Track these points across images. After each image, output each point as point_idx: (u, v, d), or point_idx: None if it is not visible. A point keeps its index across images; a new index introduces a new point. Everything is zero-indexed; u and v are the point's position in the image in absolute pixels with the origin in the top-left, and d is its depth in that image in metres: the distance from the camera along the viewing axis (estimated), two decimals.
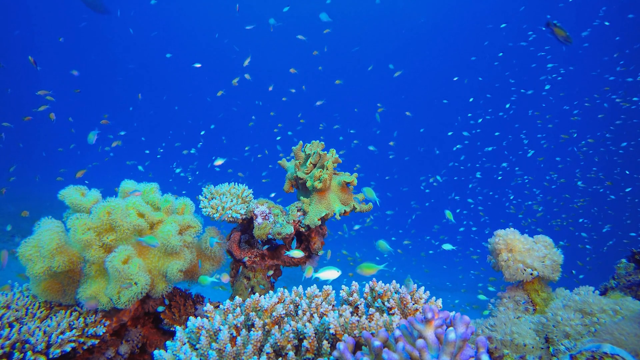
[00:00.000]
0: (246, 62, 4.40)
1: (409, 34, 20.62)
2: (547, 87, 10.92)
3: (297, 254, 1.74)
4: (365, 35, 20.87)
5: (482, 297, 3.73)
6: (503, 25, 8.89)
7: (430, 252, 9.15)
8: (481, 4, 18.08)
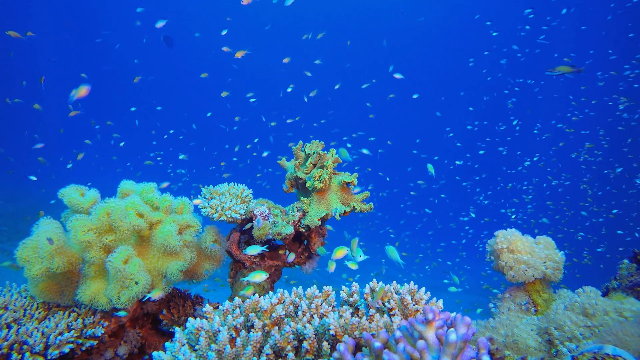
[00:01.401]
0: (239, 54, 4.30)
1: (408, 33, 20.57)
2: (535, 89, 10.94)
3: (291, 257, 1.74)
4: (363, 35, 20.81)
5: (452, 289, 3.69)
6: (495, 33, 8.90)
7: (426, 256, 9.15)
8: (481, 6, 18.08)
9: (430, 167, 2.81)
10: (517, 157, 15.84)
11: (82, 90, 1.89)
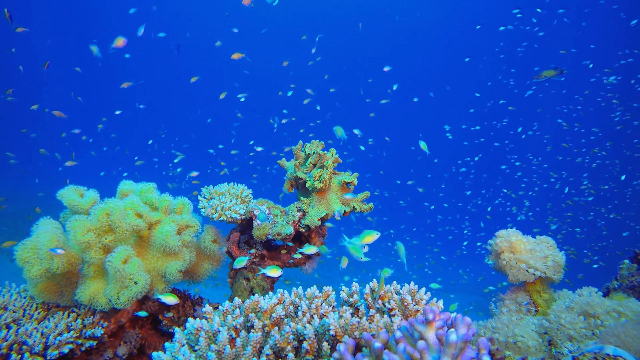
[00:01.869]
0: (235, 56, 4.28)
1: (407, 29, 20.44)
2: (529, 92, 10.88)
3: (311, 250, 1.70)
4: (362, 30, 20.69)
5: (434, 285, 3.68)
6: (502, 28, 8.88)
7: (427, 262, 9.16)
8: (480, 4, 18.03)
9: (424, 145, 2.78)
10: (517, 158, 15.84)
11: (120, 41, 2.14)
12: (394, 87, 6.24)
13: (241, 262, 1.64)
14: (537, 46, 14.29)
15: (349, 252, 1.45)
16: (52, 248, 1.38)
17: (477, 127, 12.79)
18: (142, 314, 1.59)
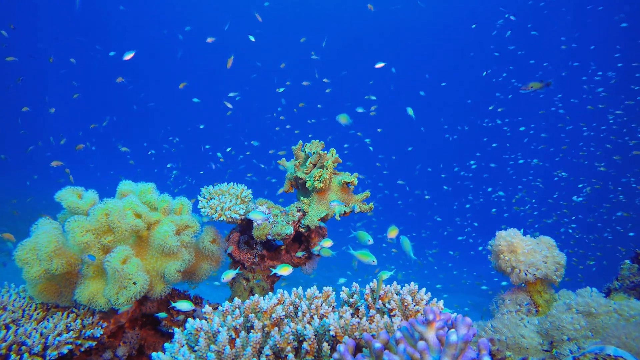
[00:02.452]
0: (229, 63, 4.26)
1: (406, 23, 20.34)
2: (522, 88, 10.82)
3: (327, 243, 1.70)
4: (360, 29, 20.61)
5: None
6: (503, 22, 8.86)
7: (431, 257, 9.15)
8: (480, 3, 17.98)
9: (410, 111, 2.81)
10: (517, 157, 15.82)
11: None
12: (392, 70, 6.22)
13: (230, 274, 1.64)
14: (538, 34, 14.23)
15: (358, 258, 1.47)
16: (88, 255, 1.41)
17: (474, 123, 12.78)
18: (162, 315, 1.60)
